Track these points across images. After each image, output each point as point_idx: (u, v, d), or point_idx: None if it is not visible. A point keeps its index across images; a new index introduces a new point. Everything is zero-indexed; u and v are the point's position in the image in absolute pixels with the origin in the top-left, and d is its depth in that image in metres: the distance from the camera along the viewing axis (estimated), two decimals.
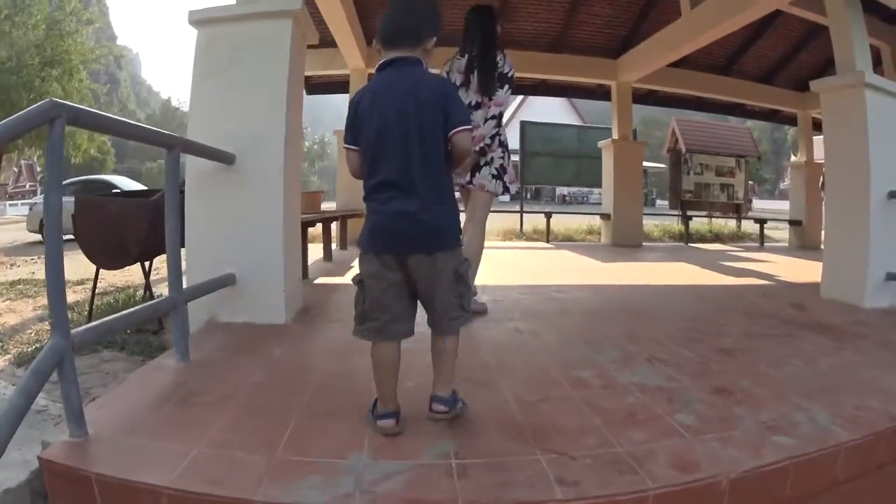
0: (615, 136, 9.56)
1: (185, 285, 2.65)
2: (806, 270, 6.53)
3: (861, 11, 4.47)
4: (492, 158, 3.48)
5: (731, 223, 13.42)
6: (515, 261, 6.98)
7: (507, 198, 4.34)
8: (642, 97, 10.63)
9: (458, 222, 1.81)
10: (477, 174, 3.47)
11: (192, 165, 3.24)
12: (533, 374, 2.50)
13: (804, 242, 10.60)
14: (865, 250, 4.24)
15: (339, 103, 9.88)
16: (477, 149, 3.36)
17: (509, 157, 3.61)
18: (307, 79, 9.70)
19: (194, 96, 3.34)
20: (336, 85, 9.72)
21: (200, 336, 2.93)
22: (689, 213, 11.81)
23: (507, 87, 3.42)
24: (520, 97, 37.43)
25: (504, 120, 3.55)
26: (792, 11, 6.77)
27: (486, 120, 3.41)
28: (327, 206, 7.58)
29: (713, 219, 13.39)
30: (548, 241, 10.23)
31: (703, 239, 11.90)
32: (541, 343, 3.03)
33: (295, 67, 3.39)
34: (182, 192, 2.99)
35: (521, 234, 11.21)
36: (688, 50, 7.63)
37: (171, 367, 2.44)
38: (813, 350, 2.98)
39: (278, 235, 3.22)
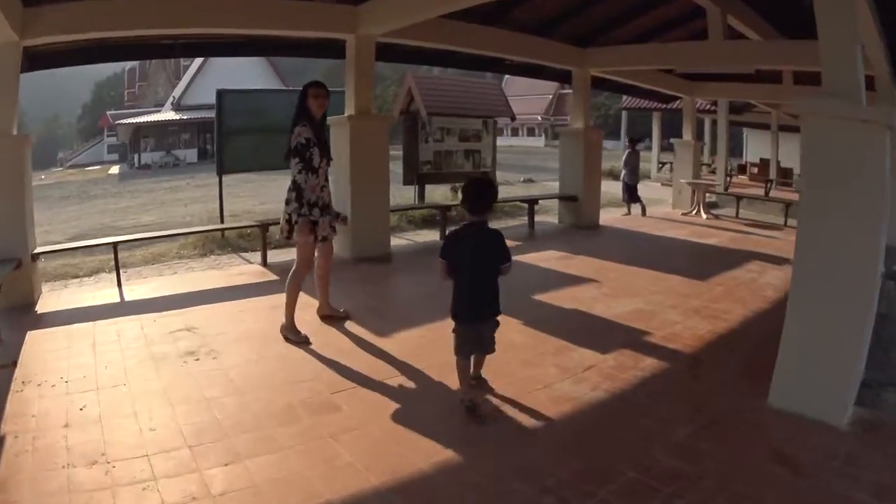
0: (351, 109, 7.10)
1: None
2: (657, 298, 5.45)
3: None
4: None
5: None
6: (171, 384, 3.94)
7: None
8: (380, 52, 8.49)
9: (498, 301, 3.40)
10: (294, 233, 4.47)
11: None
12: None
13: (579, 221, 9.98)
14: (860, 350, 3.07)
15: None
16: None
17: (312, 208, 4.40)
18: None
19: None
20: None
21: None
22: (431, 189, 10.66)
23: (291, 157, 4.37)
24: (199, 59, 33.73)
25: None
26: None
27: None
28: None
29: (458, 192, 12.40)
30: (264, 265, 6.94)
31: (450, 220, 10.42)
32: None
33: None
34: None
35: (224, 245, 8.17)
36: (468, 4, 5.75)
37: None
38: None
39: None
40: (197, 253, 7.91)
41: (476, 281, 3.31)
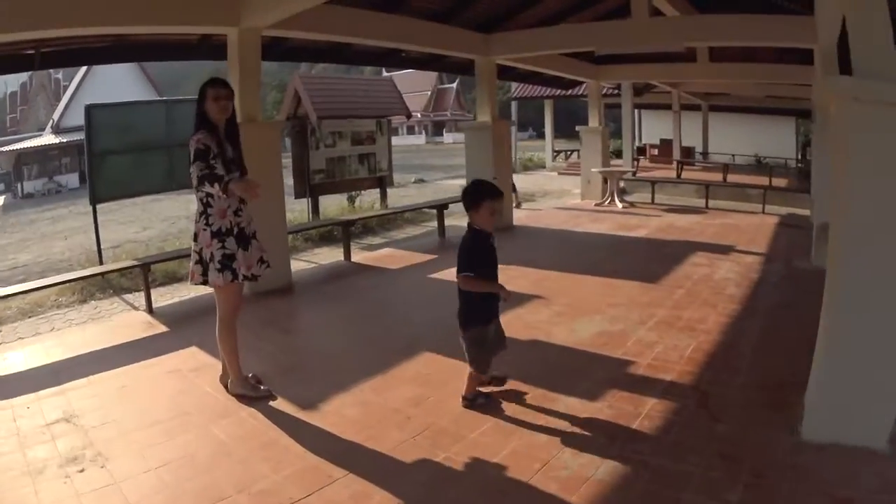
0: (240, 116, 6.02)
1: None
2: (618, 312, 4.82)
3: None
4: (211, 254, 3.46)
5: (369, 199, 12.02)
6: None
7: None
8: (262, 49, 7.47)
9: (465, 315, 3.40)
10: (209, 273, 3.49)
11: None
12: None
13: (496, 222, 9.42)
14: None
15: None
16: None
17: (225, 238, 3.48)
18: None
19: None
20: None
21: None
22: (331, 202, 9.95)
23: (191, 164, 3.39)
24: (83, 69, 31.37)
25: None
26: None
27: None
28: None
29: (355, 202, 11.69)
30: (150, 312, 5.70)
31: (351, 235, 9.57)
32: None
33: None
34: None
35: (105, 286, 7.12)
36: None
37: None
38: None
39: None
40: (76, 299, 6.95)
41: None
